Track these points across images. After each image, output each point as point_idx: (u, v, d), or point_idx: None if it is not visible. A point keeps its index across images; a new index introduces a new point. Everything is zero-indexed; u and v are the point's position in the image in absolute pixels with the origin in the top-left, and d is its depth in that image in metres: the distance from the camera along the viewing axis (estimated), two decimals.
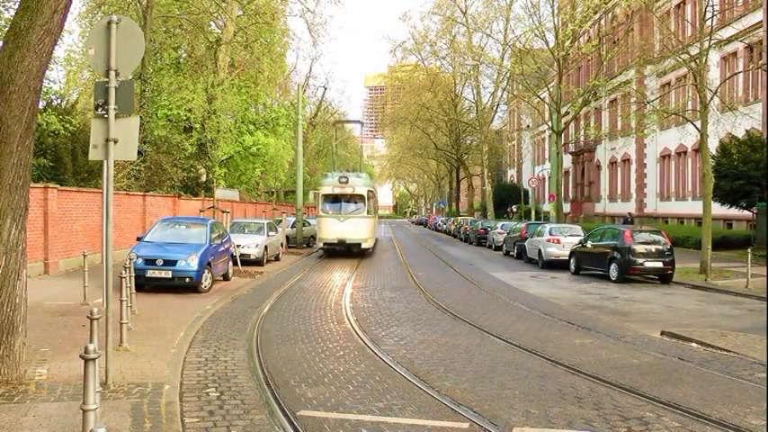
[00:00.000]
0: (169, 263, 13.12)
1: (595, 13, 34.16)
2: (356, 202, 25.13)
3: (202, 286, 13.48)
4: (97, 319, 5.10)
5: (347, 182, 25.12)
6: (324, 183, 26.16)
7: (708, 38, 20.20)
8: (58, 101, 21.99)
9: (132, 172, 22.13)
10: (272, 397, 6.46)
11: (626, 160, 41.23)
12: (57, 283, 14.28)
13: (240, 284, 15.47)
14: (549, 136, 44.04)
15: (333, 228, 24.58)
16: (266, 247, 20.77)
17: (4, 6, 18.72)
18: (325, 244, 25.39)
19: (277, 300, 13.49)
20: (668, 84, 32.70)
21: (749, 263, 16.24)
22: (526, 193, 49.78)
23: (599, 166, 45.93)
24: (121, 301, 8.20)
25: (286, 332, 9.97)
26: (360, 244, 24.69)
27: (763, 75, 24.97)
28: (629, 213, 30.46)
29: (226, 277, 15.91)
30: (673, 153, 35.14)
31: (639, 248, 17.74)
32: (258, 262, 20.00)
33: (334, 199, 25.23)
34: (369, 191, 25.80)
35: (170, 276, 13.10)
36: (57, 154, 19.06)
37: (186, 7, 29.62)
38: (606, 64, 37.17)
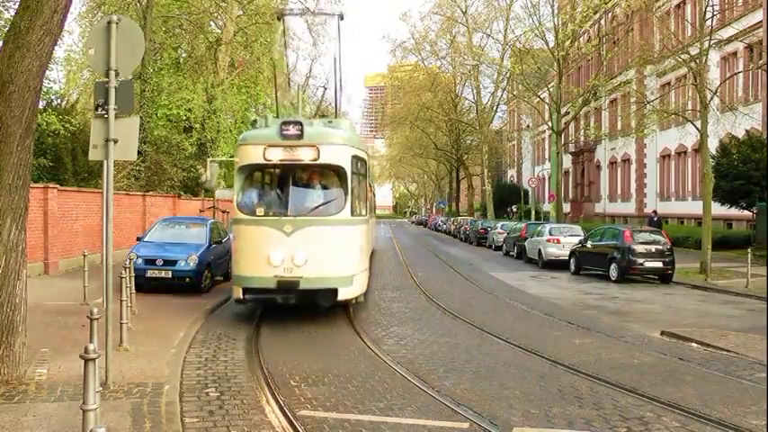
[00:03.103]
0: (169, 263, 13.11)
1: (595, 13, 34.16)
2: (325, 186, 10.78)
3: (202, 286, 13.48)
4: (97, 319, 5.11)
5: (301, 135, 10.09)
6: (246, 140, 10.84)
7: (708, 38, 20.19)
8: (58, 101, 21.98)
9: (132, 172, 22.14)
10: (271, 397, 6.46)
11: (626, 160, 41.22)
12: (57, 283, 14.28)
13: None
14: (549, 136, 44.04)
15: (266, 251, 9.98)
16: None
17: (4, 6, 18.72)
18: (245, 290, 10.27)
19: None
20: (668, 84, 32.66)
21: (749, 263, 16.23)
22: (526, 193, 49.77)
23: (599, 166, 45.92)
24: (121, 301, 8.21)
25: (286, 332, 9.97)
26: (335, 290, 10.21)
27: (763, 75, 24.96)
28: (654, 212, 30.06)
29: (226, 277, 15.89)
30: (673, 153, 35.13)
31: (639, 248, 17.73)
32: None
33: (276, 177, 11.20)
34: (354, 158, 10.78)
35: (170, 276, 13.08)
36: (57, 154, 19.05)
37: (186, 7, 29.60)
38: (606, 64, 37.19)
